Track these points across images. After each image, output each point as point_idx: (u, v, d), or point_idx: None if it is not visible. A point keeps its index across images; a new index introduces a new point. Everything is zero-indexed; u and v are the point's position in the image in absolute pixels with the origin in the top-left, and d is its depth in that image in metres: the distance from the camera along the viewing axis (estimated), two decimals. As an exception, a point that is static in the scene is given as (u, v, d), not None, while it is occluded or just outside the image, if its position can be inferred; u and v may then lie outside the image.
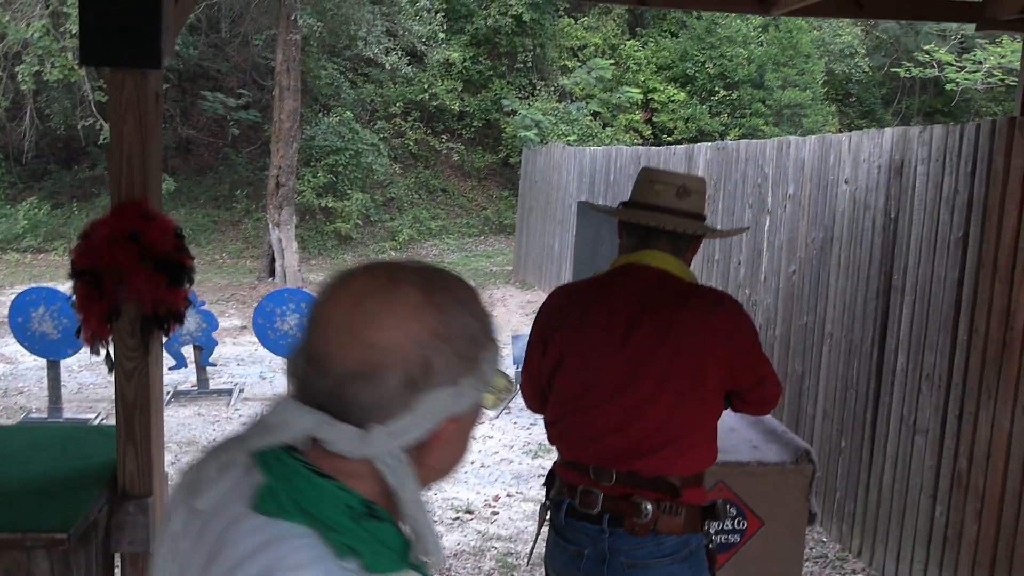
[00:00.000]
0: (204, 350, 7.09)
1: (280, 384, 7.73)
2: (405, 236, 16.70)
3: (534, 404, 2.39)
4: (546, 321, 2.26)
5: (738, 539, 2.40)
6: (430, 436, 0.91)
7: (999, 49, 18.33)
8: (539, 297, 12.53)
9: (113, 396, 2.41)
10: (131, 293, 2.25)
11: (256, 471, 0.89)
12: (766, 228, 5.69)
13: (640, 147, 8.49)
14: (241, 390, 7.56)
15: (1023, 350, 3.37)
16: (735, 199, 6.19)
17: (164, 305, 2.23)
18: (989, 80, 19.15)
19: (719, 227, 6.45)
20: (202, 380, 7.28)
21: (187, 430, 6.43)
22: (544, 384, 2.27)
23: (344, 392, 0.87)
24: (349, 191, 15.99)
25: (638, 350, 2.06)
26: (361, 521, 0.87)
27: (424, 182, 18.30)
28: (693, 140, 19.13)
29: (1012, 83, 19.14)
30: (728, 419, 2.39)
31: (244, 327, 10.17)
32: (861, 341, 4.51)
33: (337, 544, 0.85)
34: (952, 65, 19.54)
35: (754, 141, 5.95)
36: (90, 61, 2.34)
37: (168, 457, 5.61)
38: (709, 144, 6.75)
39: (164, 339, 2.43)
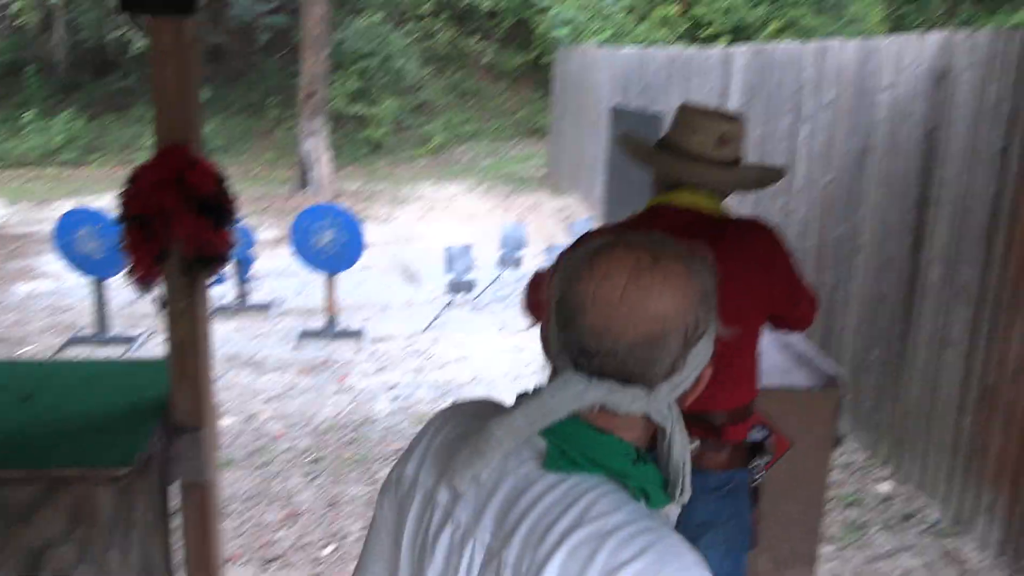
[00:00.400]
0: (242, 265, 7.22)
1: (314, 296, 7.90)
2: (438, 141, 16.60)
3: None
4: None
5: (768, 460, 2.46)
6: (694, 382, 1.05)
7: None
8: (571, 203, 12.48)
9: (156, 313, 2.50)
10: (178, 236, 2.31)
11: (535, 438, 1.01)
12: (801, 137, 5.58)
13: (675, 50, 8.26)
14: (280, 304, 7.72)
15: (1059, 266, 3.33)
16: (770, 105, 6.06)
17: (210, 247, 2.30)
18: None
19: (758, 132, 6.34)
20: (242, 295, 7.44)
21: (229, 345, 6.62)
22: None
23: (631, 359, 0.98)
24: (380, 97, 15.85)
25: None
26: (638, 466, 1.00)
27: (455, 85, 18.05)
28: (732, 32, 18.54)
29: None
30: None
31: (280, 239, 10.30)
32: (895, 254, 4.48)
33: (631, 488, 0.99)
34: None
35: (793, 45, 5.78)
36: (129, 7, 2.38)
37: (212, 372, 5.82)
38: (746, 47, 6.56)
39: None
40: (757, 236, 2.14)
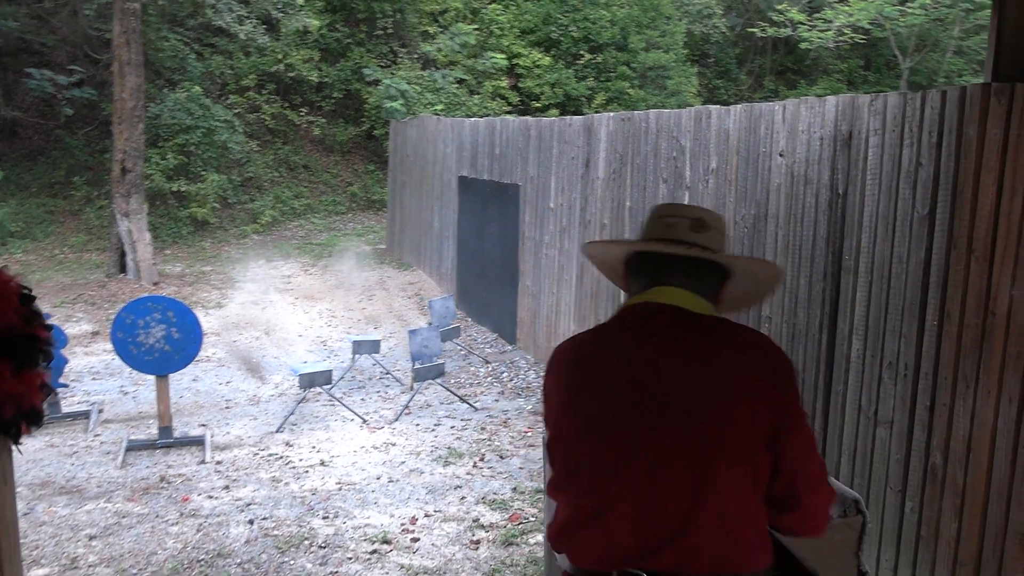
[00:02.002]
0: (53, 370, 6.14)
1: (143, 399, 6.87)
2: (268, 217, 15.65)
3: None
4: (554, 392, 1.90)
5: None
6: None
7: (847, 8, 18.88)
8: (419, 278, 11.93)
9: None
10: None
11: None
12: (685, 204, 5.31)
13: (530, 119, 7.99)
14: (100, 410, 6.66)
15: (1007, 338, 3.09)
16: (646, 174, 5.80)
17: (12, 401, 1.56)
18: (840, 39, 19.75)
19: (628, 203, 6.06)
20: (53, 404, 6.34)
21: (40, 467, 5.53)
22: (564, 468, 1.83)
23: None
24: (203, 172, 14.78)
25: (661, 411, 1.71)
26: None
27: (284, 159, 17.22)
28: (560, 105, 18.84)
29: (860, 40, 19.85)
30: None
31: (96, 332, 9.11)
32: (807, 326, 4.20)
33: None
34: (804, 24, 20.02)
35: (666, 111, 5.56)
36: None
37: (20, 505, 4.76)
38: (612, 114, 6.33)
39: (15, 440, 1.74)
40: (762, 347, 1.80)
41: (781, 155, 4.35)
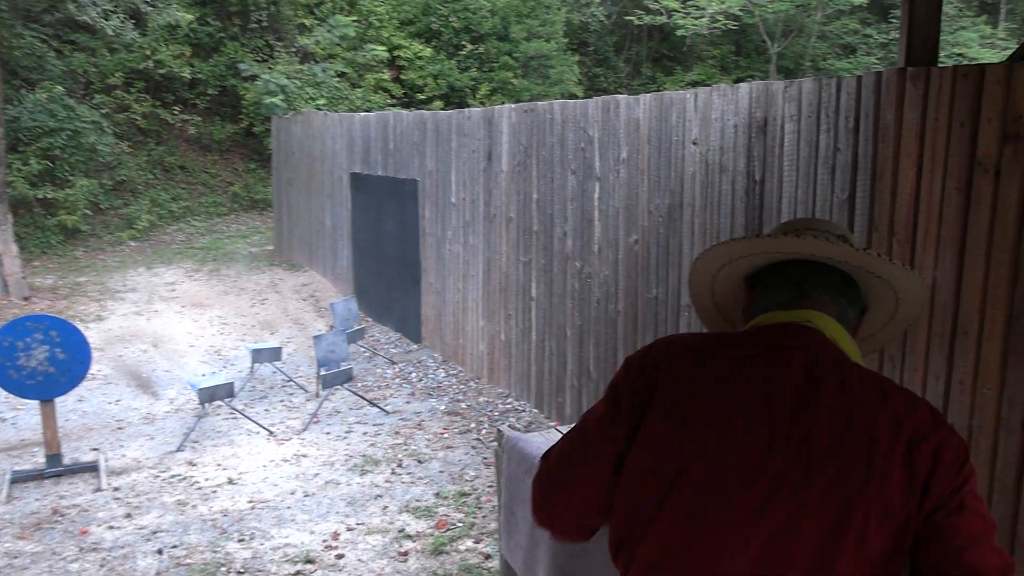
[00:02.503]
0: (-79, 401, 5.61)
1: (24, 425, 6.37)
2: (144, 222, 14.86)
3: (572, 511, 1.49)
4: (647, 394, 1.42)
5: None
6: None
7: (720, -5, 19.46)
8: (313, 279, 11.57)
9: None
10: None
11: None
12: (596, 196, 5.27)
13: (426, 113, 7.80)
14: (-23, 441, 6.13)
15: (931, 317, 3.16)
16: (553, 165, 5.73)
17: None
18: (713, 25, 20.31)
19: (535, 196, 5.99)
20: (-77, 438, 5.79)
21: (-87, 509, 5.03)
22: (610, 484, 1.44)
23: None
24: (71, 177, 13.89)
25: (797, 456, 1.30)
26: None
27: (159, 160, 16.39)
28: (444, 97, 18.65)
29: (732, 26, 20.49)
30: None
31: (-36, 355, 8.40)
32: (728, 313, 4.22)
33: None
34: (678, 12, 20.49)
35: (571, 101, 5.50)
36: None
37: None
38: (514, 106, 6.23)
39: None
40: (931, 426, 1.31)
41: (695, 143, 4.35)
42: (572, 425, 1.55)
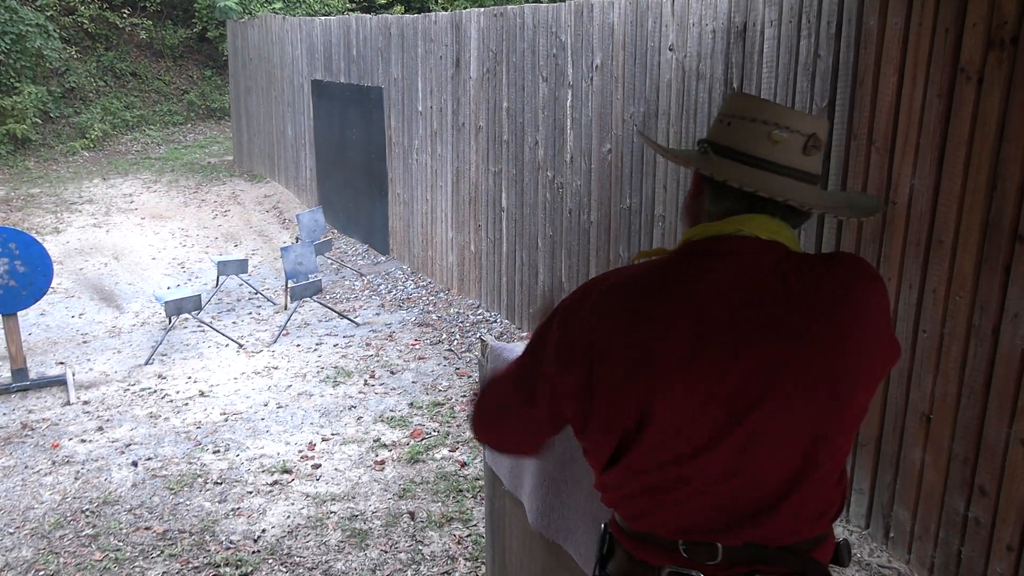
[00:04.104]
0: None
1: (-10, 340, 6.27)
2: (97, 132, 14.40)
3: (523, 447, 1.61)
4: (589, 345, 1.36)
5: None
6: None
7: None
8: (275, 190, 11.36)
9: None
10: None
11: None
12: (568, 103, 5.18)
13: (390, 17, 7.53)
14: (-62, 356, 6.02)
15: (907, 226, 3.18)
16: (524, 72, 5.60)
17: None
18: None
19: (505, 104, 5.87)
20: None
21: None
22: (550, 435, 1.53)
23: None
24: (17, 84, 13.36)
25: (767, 382, 1.30)
26: None
27: (109, 66, 15.80)
28: (405, 2, 18.05)
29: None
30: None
31: (-83, 269, 8.18)
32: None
33: None
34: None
35: (543, 5, 5.34)
36: None
37: None
38: (482, 10, 6.04)
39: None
40: (867, 280, 1.36)
41: (671, 50, 4.26)
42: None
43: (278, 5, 15.38)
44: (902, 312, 3.26)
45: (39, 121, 13.78)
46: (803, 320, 1.31)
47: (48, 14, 14.65)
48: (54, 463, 4.48)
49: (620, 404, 1.34)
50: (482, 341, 2.52)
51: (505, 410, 1.54)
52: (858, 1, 3.26)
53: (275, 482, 4.26)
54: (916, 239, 3.16)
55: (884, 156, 3.24)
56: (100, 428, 4.90)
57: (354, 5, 17.72)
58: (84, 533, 3.82)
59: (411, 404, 5.12)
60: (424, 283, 7.38)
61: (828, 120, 3.46)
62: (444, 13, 6.56)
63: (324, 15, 14.28)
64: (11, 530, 3.87)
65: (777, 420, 1.32)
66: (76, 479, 4.31)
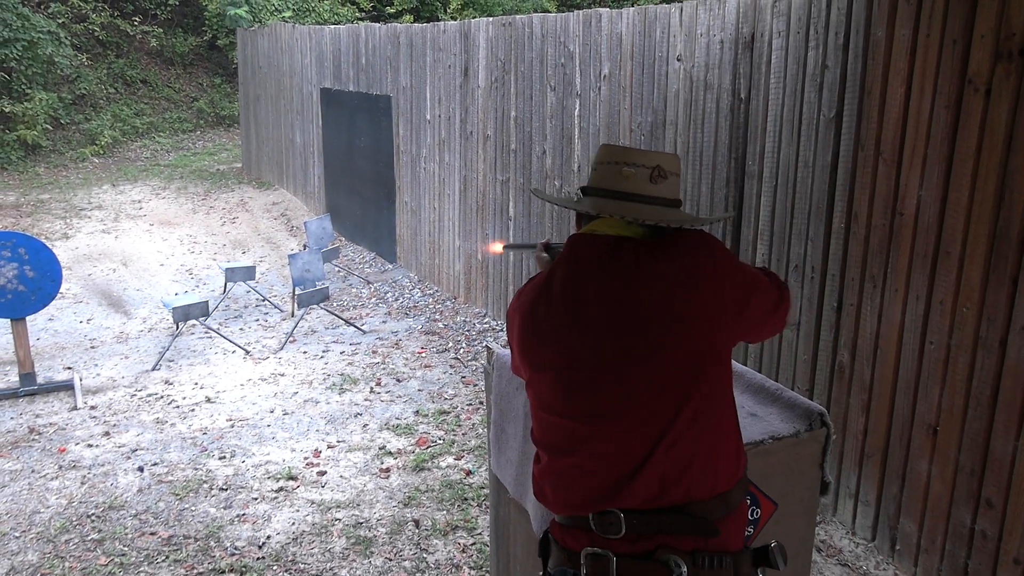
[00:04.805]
0: None
1: (-1, 345, 6.29)
2: (107, 138, 14.47)
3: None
4: (518, 337, 1.80)
5: (752, 531, 1.97)
6: None
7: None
8: (284, 197, 11.40)
9: None
10: None
11: None
12: (576, 113, 5.20)
13: (400, 26, 7.56)
14: (-53, 360, 6.05)
15: (915, 237, 3.18)
16: (532, 82, 5.62)
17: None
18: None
19: (513, 113, 5.89)
20: None
21: None
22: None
23: None
24: (29, 90, 13.44)
25: (615, 341, 1.64)
26: None
27: (120, 73, 15.89)
28: (415, 11, 18.13)
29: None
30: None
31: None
32: (709, 230, 4.22)
33: None
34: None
35: (552, 15, 5.36)
36: None
37: None
38: (491, 19, 6.06)
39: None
40: (694, 257, 1.66)
41: (679, 60, 4.27)
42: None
43: (288, 14, 15.46)
44: (909, 323, 3.25)
45: (49, 127, 13.86)
46: (634, 291, 1.62)
47: (60, 21, 14.75)
48: (60, 468, 4.49)
49: (524, 362, 1.76)
50: (488, 349, 2.53)
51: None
52: (866, 12, 3.26)
53: (280, 489, 4.26)
54: (923, 250, 3.15)
55: (892, 167, 3.24)
56: (107, 433, 4.91)
57: (364, 15, 17.80)
58: (90, 538, 3.83)
59: (417, 412, 5.12)
60: (431, 291, 7.39)
61: (835, 130, 3.46)
62: (453, 22, 6.58)
63: (334, 23, 14.35)
64: (17, 534, 3.88)
65: (621, 382, 1.62)
66: (82, 484, 4.32)
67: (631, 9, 4.63)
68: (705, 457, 1.60)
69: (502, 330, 6.36)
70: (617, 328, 1.61)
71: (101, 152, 14.28)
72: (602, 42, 4.87)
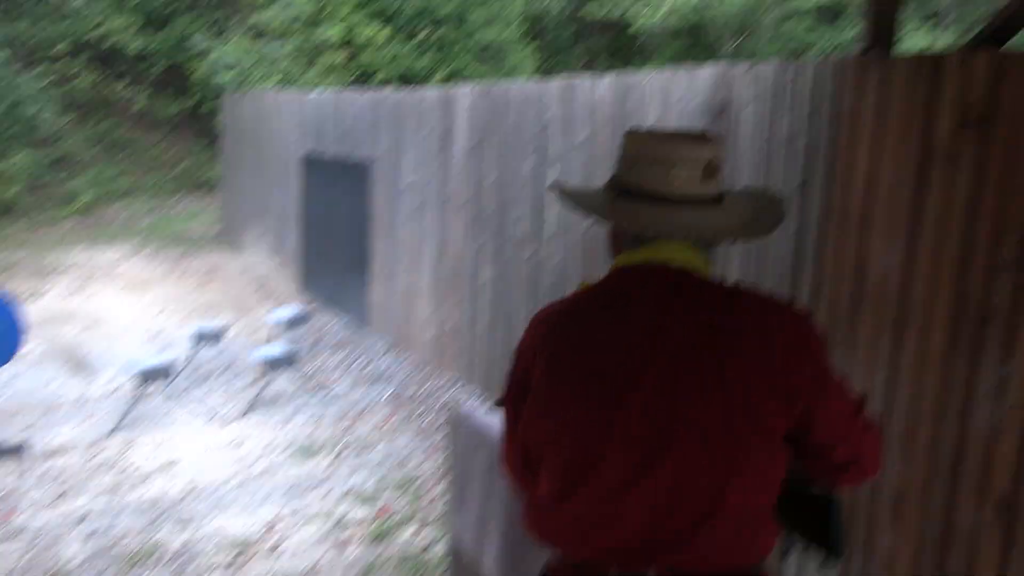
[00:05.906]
0: None
1: None
2: (86, 199, 14.41)
3: (519, 476, 1.69)
4: (526, 363, 1.63)
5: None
6: None
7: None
8: (258, 262, 11.32)
9: None
10: None
11: None
12: (549, 179, 5.19)
13: (382, 93, 7.62)
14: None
15: (878, 303, 3.14)
16: (507, 147, 5.63)
17: None
18: (667, 21, 20.36)
19: (491, 178, 5.88)
20: None
21: None
22: (528, 448, 1.63)
23: None
24: (10, 150, 13.42)
25: (662, 391, 1.42)
26: None
27: (102, 135, 15.93)
28: (400, 80, 18.38)
29: (686, 22, 20.55)
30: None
31: None
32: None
33: None
34: (634, 5, 20.50)
35: (530, 83, 5.40)
36: None
37: None
38: (471, 87, 6.10)
39: None
40: (783, 320, 1.45)
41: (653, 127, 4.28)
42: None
43: (276, 79, 15.62)
44: (878, 389, 3.18)
45: (26, 187, 13.80)
46: (685, 347, 1.41)
47: (48, 81, 14.81)
48: (5, 537, 4.29)
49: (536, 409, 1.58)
50: (451, 407, 2.45)
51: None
52: (833, 81, 3.28)
53: (233, 560, 4.08)
54: (887, 317, 3.10)
55: (857, 234, 3.21)
56: (58, 498, 4.72)
57: (350, 80, 18.04)
58: (27, 609, 3.63)
59: (380, 480, 4.97)
60: (402, 357, 7.27)
61: (804, 196, 3.45)
62: (434, 90, 6.63)
63: (321, 89, 14.52)
64: (-49, 604, 3.68)
65: (688, 441, 1.41)
66: (27, 552, 4.13)
67: (607, 78, 4.66)
68: (748, 532, 1.49)
69: (471, 398, 6.24)
70: (672, 390, 1.42)
71: (78, 213, 14.21)
72: (578, 109, 4.89)
